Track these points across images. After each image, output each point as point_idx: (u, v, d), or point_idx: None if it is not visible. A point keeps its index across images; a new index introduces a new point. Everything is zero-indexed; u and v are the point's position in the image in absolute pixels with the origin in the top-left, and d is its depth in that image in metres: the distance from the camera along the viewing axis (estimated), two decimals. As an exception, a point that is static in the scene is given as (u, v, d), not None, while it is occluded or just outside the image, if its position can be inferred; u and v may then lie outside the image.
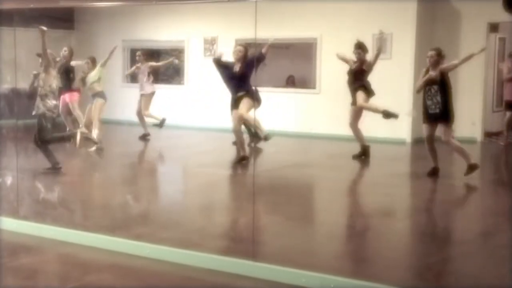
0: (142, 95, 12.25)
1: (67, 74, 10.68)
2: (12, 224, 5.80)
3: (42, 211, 6.51)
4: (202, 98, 13.84)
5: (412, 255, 5.55)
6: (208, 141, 12.16)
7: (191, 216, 6.73)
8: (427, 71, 8.46)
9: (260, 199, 6.92)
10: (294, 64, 14.03)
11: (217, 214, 6.95)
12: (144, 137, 12.15)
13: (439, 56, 8.38)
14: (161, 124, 12.06)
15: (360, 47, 10.02)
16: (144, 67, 12.34)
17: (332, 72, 12.60)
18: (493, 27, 12.31)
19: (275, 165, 9.46)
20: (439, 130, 8.36)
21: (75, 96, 10.89)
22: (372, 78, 11.04)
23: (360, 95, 9.88)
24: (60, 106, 11.01)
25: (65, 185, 8.10)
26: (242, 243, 5.57)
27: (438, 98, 8.28)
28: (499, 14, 5.73)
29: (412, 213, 7.13)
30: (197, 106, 13.79)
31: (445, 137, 8.32)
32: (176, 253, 5.02)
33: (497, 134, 12.80)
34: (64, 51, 10.71)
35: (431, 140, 8.49)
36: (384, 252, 5.54)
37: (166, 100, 13.27)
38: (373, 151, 10.23)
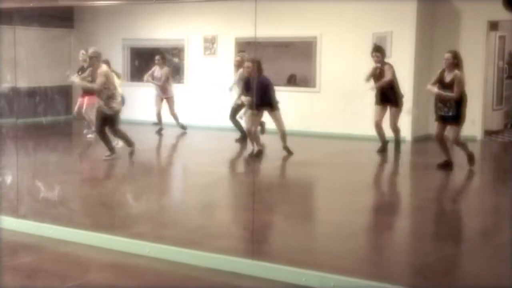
0: (166, 99, 12.58)
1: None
2: (12, 223, 5.80)
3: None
4: (202, 96, 13.85)
5: (415, 254, 5.56)
6: (208, 140, 12.16)
7: (191, 215, 6.74)
8: (442, 73, 8.59)
9: (261, 197, 6.93)
10: (294, 63, 14.02)
11: (217, 213, 6.95)
12: (160, 131, 12.52)
13: (456, 59, 8.52)
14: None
15: (378, 50, 10.33)
16: (164, 71, 12.52)
17: (332, 71, 12.61)
18: (493, 25, 12.30)
19: (275, 163, 9.46)
20: (448, 130, 8.64)
21: (92, 100, 10.71)
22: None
23: (394, 111, 10.30)
24: (76, 108, 11.16)
25: (73, 184, 8.10)
26: (243, 241, 5.58)
27: (452, 102, 8.47)
28: (499, 12, 5.72)
29: (410, 212, 7.14)
30: (197, 104, 13.79)
31: (453, 137, 8.62)
32: (176, 252, 5.02)
33: (497, 132, 12.80)
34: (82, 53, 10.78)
35: (440, 137, 8.73)
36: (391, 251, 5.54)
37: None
38: (373, 149, 10.25)
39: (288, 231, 6.15)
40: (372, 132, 10.53)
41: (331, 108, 12.53)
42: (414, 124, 11.64)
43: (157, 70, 12.61)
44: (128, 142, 9.41)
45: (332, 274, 4.47)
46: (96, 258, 5.07)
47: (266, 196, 7.36)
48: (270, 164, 9.49)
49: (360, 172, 9.20)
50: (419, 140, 11.54)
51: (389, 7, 11.97)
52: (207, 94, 13.77)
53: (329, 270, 4.56)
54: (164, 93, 12.61)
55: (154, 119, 12.73)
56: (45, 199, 6.85)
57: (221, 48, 13.81)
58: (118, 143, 9.71)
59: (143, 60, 14.62)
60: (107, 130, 9.34)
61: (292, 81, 14.15)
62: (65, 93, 14.49)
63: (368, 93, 10.50)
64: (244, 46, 13.05)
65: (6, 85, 9.25)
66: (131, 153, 9.37)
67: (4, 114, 9.16)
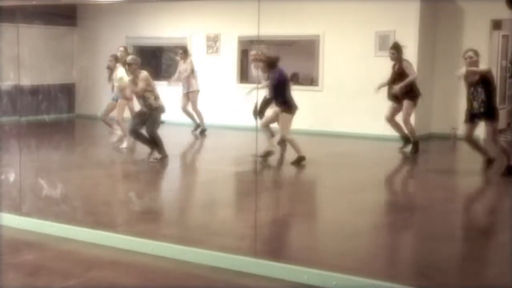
0: (190, 93, 12.39)
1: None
2: (14, 221, 5.81)
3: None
4: (205, 95, 13.83)
5: (417, 253, 5.55)
6: (211, 139, 12.15)
7: (195, 213, 6.74)
8: (467, 71, 8.51)
9: (264, 196, 6.92)
10: (297, 61, 14.01)
11: (220, 211, 6.95)
12: (203, 132, 12.26)
13: (478, 56, 8.52)
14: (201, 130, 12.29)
15: (394, 47, 10.28)
16: (187, 64, 12.43)
17: (335, 69, 12.60)
18: (496, 24, 12.27)
19: (276, 163, 9.44)
20: (483, 129, 8.82)
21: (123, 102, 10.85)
22: (375, 75, 11.04)
23: (407, 104, 10.18)
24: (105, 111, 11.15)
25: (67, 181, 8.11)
26: (245, 240, 5.58)
27: (483, 97, 8.47)
28: (502, 11, 5.72)
29: (416, 209, 7.15)
30: (200, 103, 13.78)
31: (491, 136, 8.65)
32: (179, 250, 5.02)
33: (500, 131, 12.76)
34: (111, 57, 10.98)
35: (470, 138, 8.80)
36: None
37: (168, 98, 13.22)
38: (377, 149, 10.22)
39: (290, 229, 6.14)
40: (374, 131, 10.53)
41: (334, 107, 12.52)
42: (417, 123, 11.61)
43: (181, 64, 12.50)
44: (160, 150, 9.33)
45: (334, 273, 4.47)
46: (99, 256, 5.07)
47: (269, 195, 7.35)
48: (272, 164, 9.47)
49: (363, 172, 9.19)
50: (422, 139, 11.51)
51: (392, 6, 11.95)
52: (209, 93, 13.76)
53: (331, 268, 4.56)
54: (190, 86, 12.40)
55: (167, 118, 12.46)
56: (47, 197, 6.86)
57: (224, 46, 13.82)
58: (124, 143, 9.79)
59: (146, 58, 14.62)
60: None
61: (293, 79, 14.13)
62: (68, 91, 14.52)
63: (371, 91, 10.47)
64: (247, 45, 13.06)
65: (9, 83, 9.28)
66: (162, 160, 9.30)
67: (7, 112, 9.19)
